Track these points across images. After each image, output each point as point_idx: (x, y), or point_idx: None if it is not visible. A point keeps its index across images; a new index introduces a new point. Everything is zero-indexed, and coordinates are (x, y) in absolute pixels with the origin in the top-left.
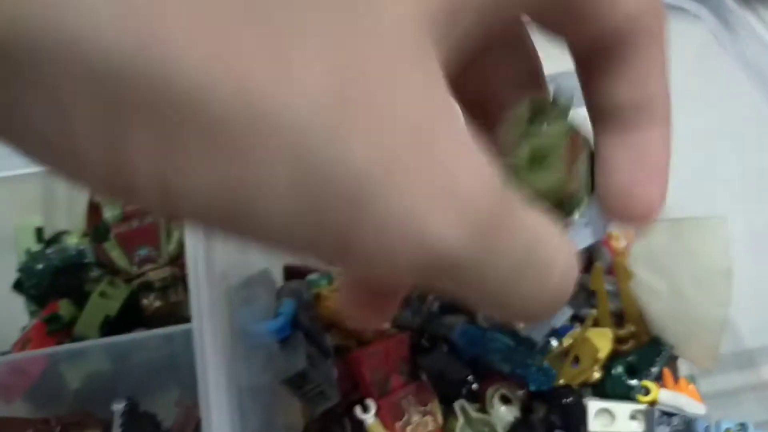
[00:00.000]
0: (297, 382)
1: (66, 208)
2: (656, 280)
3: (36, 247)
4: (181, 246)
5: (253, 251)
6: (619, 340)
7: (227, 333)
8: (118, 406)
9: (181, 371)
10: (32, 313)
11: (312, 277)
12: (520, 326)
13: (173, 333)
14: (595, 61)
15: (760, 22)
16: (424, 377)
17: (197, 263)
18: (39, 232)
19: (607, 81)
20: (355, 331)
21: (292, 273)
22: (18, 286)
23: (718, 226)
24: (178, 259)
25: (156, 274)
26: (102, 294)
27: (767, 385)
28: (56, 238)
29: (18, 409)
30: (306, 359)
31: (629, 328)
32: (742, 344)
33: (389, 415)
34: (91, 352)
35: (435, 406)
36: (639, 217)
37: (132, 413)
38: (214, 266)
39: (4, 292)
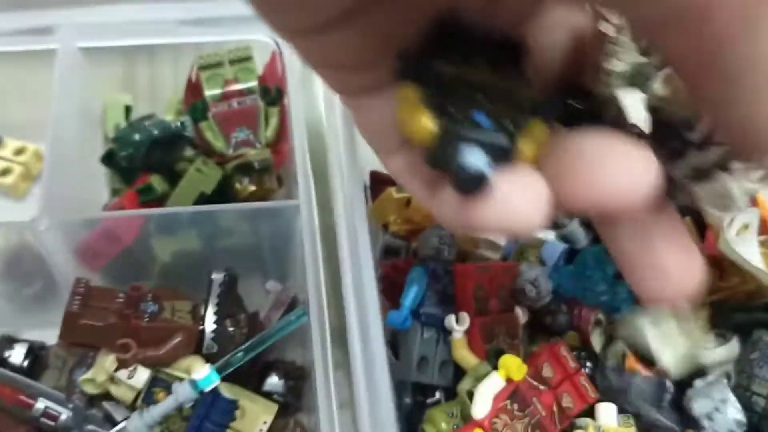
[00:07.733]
0: None
1: (149, 91)
2: None
3: (124, 124)
4: (278, 132)
5: None
6: None
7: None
8: (218, 276)
9: (267, 259)
10: (114, 192)
11: None
12: None
13: (281, 207)
14: None
15: None
16: (517, 310)
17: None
18: (128, 109)
19: None
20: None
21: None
22: (107, 159)
23: None
24: (275, 144)
25: (256, 154)
26: (199, 170)
27: None
28: (148, 117)
29: (98, 282)
30: None
31: None
32: None
33: (480, 335)
34: (183, 229)
35: (521, 340)
36: None
37: (230, 284)
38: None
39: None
